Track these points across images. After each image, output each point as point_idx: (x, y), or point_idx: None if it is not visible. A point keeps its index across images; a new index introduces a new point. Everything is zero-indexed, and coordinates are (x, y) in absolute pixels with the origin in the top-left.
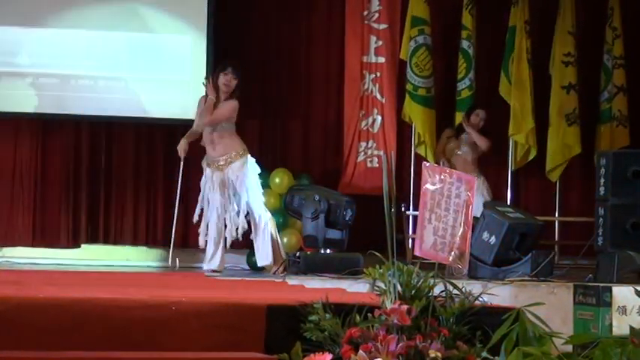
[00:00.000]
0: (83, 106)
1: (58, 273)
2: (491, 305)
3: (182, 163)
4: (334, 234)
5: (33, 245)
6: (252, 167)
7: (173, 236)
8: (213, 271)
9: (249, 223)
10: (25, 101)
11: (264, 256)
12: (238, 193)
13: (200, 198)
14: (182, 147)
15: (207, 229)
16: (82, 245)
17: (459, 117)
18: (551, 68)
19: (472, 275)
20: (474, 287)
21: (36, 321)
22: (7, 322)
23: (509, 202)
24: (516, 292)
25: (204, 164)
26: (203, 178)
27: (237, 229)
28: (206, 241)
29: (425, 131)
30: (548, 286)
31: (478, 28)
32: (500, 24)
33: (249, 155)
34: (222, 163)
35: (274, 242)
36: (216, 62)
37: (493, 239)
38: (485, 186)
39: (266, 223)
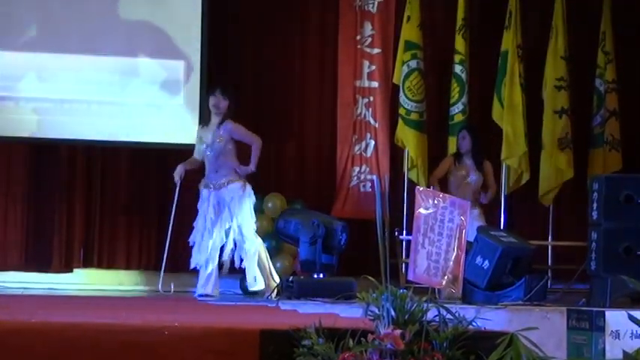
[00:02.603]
0: (78, 130)
1: (49, 298)
2: (485, 330)
3: (178, 188)
4: (327, 258)
5: (25, 269)
6: (249, 192)
7: (165, 260)
8: (207, 295)
9: (236, 245)
10: (19, 125)
11: (254, 280)
12: (231, 214)
13: (196, 221)
14: (178, 172)
15: (200, 252)
16: (75, 270)
17: (452, 142)
18: (543, 92)
19: (466, 300)
20: (468, 311)
21: (27, 346)
22: None
23: (502, 227)
24: (510, 316)
25: (201, 187)
26: (200, 201)
27: (228, 250)
28: (199, 264)
29: (417, 156)
30: (542, 311)
31: (471, 53)
32: (493, 48)
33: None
34: (222, 181)
35: (265, 267)
36: (210, 87)
37: (486, 264)
38: (483, 218)
39: (257, 249)
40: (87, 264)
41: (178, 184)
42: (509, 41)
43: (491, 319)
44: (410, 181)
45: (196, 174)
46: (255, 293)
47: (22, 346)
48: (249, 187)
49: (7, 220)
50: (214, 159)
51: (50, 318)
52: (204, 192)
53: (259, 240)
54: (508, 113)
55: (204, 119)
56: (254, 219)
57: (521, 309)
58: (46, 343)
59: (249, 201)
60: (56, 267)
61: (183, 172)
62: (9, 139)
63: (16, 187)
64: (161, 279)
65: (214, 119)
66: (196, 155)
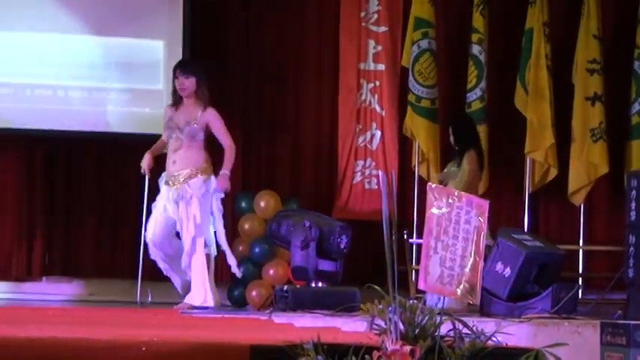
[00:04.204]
0: (39, 119)
1: (11, 309)
2: (507, 346)
3: (147, 180)
4: (327, 265)
5: None
6: (214, 190)
7: (141, 266)
8: (192, 307)
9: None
10: None
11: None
12: (188, 214)
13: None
14: (146, 162)
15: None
16: (39, 278)
17: None
18: (573, 77)
19: (484, 311)
20: (487, 325)
21: None
22: None
23: (526, 229)
24: (535, 330)
25: (161, 183)
26: (157, 199)
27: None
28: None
29: (429, 148)
30: (572, 325)
31: (490, 31)
32: (515, 26)
33: (213, 176)
34: (181, 179)
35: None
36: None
37: (508, 271)
38: None
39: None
40: (51, 271)
41: (147, 176)
42: (534, 18)
43: (514, 333)
44: (420, 177)
45: None
46: (245, 304)
47: None
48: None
49: None
50: (179, 145)
51: (13, 333)
52: (163, 189)
53: (213, 250)
54: (533, 100)
55: (175, 102)
56: (221, 222)
57: (548, 322)
58: None
59: (215, 200)
60: (16, 274)
61: (152, 160)
62: None
63: None
64: (138, 288)
65: (187, 101)
66: (164, 137)
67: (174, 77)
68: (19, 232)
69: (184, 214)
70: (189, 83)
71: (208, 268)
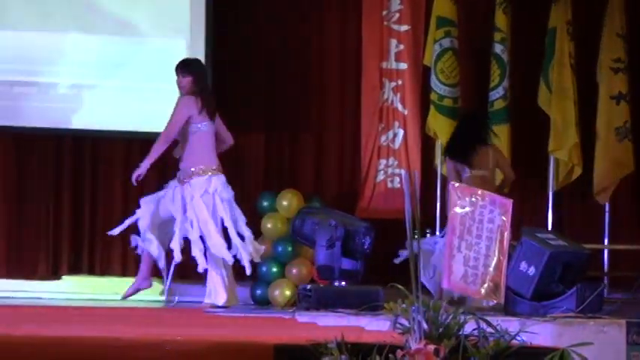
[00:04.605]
0: (65, 118)
1: (36, 308)
2: (532, 345)
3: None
4: (350, 264)
5: (8, 276)
6: (221, 189)
7: (171, 266)
8: (215, 306)
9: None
10: (2, 112)
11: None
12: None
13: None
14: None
15: None
16: (63, 277)
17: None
18: (598, 75)
19: (509, 310)
20: (511, 324)
21: None
22: None
23: (550, 228)
24: (560, 330)
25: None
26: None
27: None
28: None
29: None
30: (597, 324)
31: (513, 30)
32: (538, 25)
33: (220, 175)
34: (183, 177)
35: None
36: (216, 68)
37: (532, 270)
38: None
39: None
40: (77, 270)
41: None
42: (557, 17)
43: (539, 332)
44: (443, 176)
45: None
46: (268, 303)
47: None
48: (220, 180)
49: None
50: (182, 143)
51: (38, 332)
52: (171, 183)
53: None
54: (557, 99)
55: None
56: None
57: (573, 322)
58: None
59: (219, 199)
60: (42, 274)
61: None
62: None
63: None
64: (166, 287)
65: None
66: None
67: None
68: (46, 231)
69: (191, 213)
70: (185, 82)
71: (224, 267)
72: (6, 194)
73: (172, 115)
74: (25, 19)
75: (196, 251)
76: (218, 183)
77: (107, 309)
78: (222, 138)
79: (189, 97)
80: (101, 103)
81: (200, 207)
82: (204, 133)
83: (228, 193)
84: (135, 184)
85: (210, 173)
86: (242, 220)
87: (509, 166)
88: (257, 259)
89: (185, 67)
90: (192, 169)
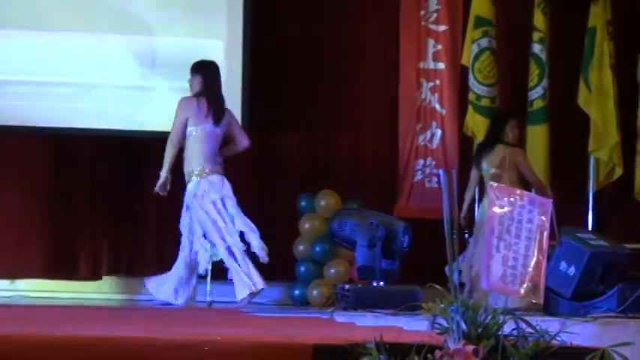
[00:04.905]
0: (103, 119)
1: (76, 308)
2: (571, 345)
3: None
4: (387, 264)
5: (48, 277)
6: (209, 189)
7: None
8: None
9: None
10: (39, 114)
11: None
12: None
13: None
14: None
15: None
16: (103, 277)
17: (531, 131)
18: (638, 75)
19: (548, 311)
20: (551, 324)
21: None
22: None
23: (590, 228)
24: (600, 330)
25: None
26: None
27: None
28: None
29: None
30: (638, 324)
31: (552, 30)
32: (577, 25)
33: (209, 176)
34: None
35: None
36: (253, 69)
37: (572, 270)
38: None
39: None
40: (116, 271)
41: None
42: (597, 17)
43: (579, 332)
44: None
45: (235, 166)
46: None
47: None
48: (211, 181)
49: (27, 222)
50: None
51: (77, 332)
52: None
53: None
54: (597, 99)
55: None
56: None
57: (613, 322)
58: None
59: (206, 201)
60: (82, 274)
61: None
62: (27, 129)
63: (36, 186)
64: (208, 287)
65: None
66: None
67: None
68: (86, 232)
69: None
70: (194, 82)
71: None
72: (46, 195)
73: (174, 118)
74: (66, 21)
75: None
76: (206, 185)
77: (146, 309)
78: (235, 140)
79: (187, 99)
80: (139, 103)
81: (195, 211)
82: (196, 137)
83: (217, 192)
84: (161, 193)
85: (196, 177)
86: (240, 217)
87: (534, 174)
88: (263, 258)
89: (196, 67)
90: (186, 177)
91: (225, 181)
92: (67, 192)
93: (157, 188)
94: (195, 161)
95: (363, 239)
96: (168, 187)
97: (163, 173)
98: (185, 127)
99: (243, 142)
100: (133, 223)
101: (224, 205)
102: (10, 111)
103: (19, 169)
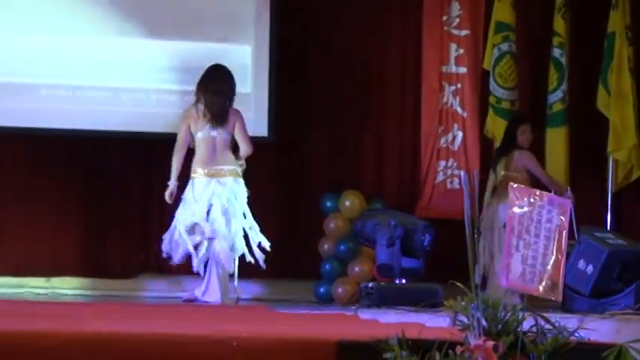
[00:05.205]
0: (135, 122)
1: (109, 305)
2: (590, 341)
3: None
4: (410, 262)
5: (82, 275)
6: (199, 190)
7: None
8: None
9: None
10: (76, 117)
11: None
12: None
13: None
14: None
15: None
16: (136, 275)
17: (550, 133)
18: None
19: (567, 308)
20: (569, 321)
21: (85, 358)
22: (56, 359)
23: (608, 228)
24: (618, 326)
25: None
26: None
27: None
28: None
29: None
30: None
31: (572, 35)
32: (597, 30)
33: (196, 177)
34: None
35: None
36: (280, 73)
37: (590, 268)
38: None
39: None
40: (146, 269)
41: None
42: (616, 22)
43: (597, 329)
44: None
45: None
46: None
47: (81, 358)
48: (198, 181)
49: (62, 221)
50: None
51: (111, 328)
52: None
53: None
54: (616, 102)
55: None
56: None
57: (631, 318)
58: (106, 356)
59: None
60: (115, 272)
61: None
62: (66, 131)
63: (72, 185)
64: (235, 283)
65: None
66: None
67: None
68: (118, 231)
69: None
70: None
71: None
72: (81, 197)
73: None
74: (100, 25)
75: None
76: (198, 185)
77: (175, 306)
78: (239, 144)
79: (187, 108)
80: (170, 106)
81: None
82: (197, 141)
83: (207, 191)
84: (168, 201)
85: (192, 178)
86: (235, 216)
87: (544, 174)
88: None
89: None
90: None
91: (215, 183)
92: (101, 193)
93: (166, 196)
94: (193, 165)
95: (383, 238)
96: (174, 195)
97: (171, 182)
98: (190, 134)
99: (242, 147)
100: (164, 224)
101: (209, 209)
102: (47, 114)
103: (55, 171)
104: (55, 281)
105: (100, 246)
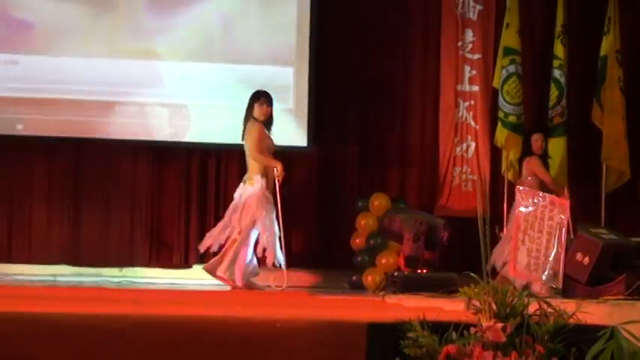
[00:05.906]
0: (193, 134)
1: (172, 292)
2: (586, 323)
3: (278, 184)
4: (430, 255)
5: (149, 265)
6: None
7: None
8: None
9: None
10: (142, 129)
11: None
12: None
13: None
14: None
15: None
16: (194, 266)
17: (551, 143)
18: None
19: (566, 294)
20: (568, 306)
21: (152, 337)
22: (126, 338)
23: (602, 224)
24: (611, 310)
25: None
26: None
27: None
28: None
29: (515, 157)
30: None
31: (570, 58)
32: (591, 53)
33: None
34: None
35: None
36: (318, 93)
37: (587, 260)
38: None
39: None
40: (204, 260)
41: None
42: (608, 46)
43: (592, 313)
44: (509, 181)
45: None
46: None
47: (147, 337)
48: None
49: (134, 219)
50: None
51: (174, 311)
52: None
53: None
54: (608, 117)
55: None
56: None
57: (622, 303)
58: (170, 335)
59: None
60: (176, 263)
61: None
62: (134, 142)
63: (139, 191)
64: (284, 274)
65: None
66: (266, 152)
67: (261, 103)
68: (179, 227)
69: None
70: (271, 110)
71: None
72: (148, 198)
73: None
74: (159, 49)
75: None
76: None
77: (228, 292)
78: None
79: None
80: (222, 121)
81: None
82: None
83: (240, 196)
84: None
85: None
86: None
87: (547, 175)
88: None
89: (271, 98)
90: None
91: (242, 188)
92: (165, 195)
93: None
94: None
95: (409, 234)
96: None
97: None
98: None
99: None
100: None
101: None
102: (118, 127)
103: (126, 176)
104: (127, 271)
105: (164, 241)
